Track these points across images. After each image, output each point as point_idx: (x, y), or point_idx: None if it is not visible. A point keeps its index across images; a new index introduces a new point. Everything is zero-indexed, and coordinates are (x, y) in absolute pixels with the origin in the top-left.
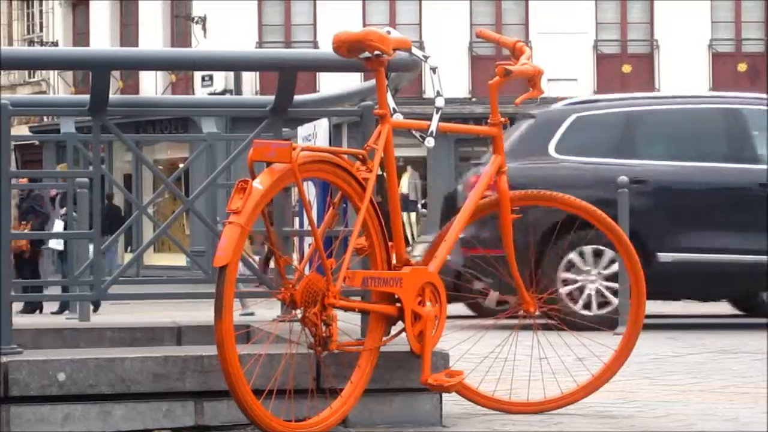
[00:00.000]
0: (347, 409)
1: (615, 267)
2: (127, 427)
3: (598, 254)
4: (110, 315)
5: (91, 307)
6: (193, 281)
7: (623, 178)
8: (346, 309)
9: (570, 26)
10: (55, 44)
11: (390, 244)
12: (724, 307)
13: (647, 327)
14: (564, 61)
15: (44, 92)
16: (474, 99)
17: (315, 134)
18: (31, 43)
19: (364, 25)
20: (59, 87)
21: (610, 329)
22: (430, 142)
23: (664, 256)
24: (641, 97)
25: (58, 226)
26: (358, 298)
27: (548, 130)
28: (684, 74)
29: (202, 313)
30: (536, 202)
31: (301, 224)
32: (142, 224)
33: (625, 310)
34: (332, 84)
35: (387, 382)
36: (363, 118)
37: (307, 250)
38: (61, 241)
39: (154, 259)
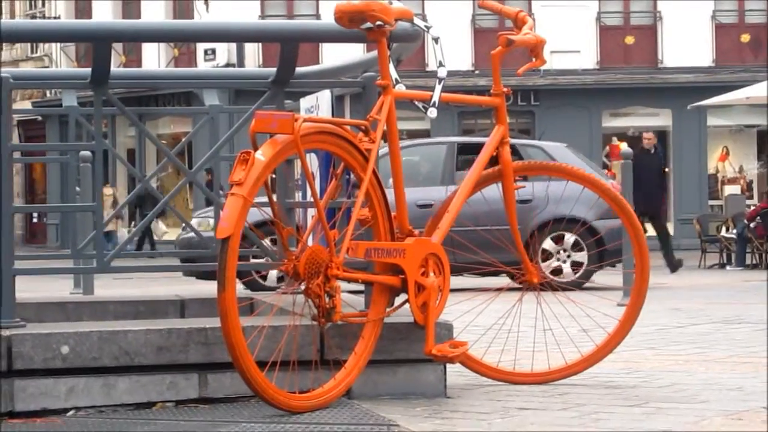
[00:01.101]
0: (351, 381)
1: None
2: (130, 400)
3: None
4: (113, 288)
5: None
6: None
7: (626, 149)
8: (349, 280)
9: None
10: (57, 19)
11: (393, 215)
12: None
13: (650, 298)
14: (567, 33)
15: (47, 67)
16: (477, 71)
17: (317, 106)
18: (33, 18)
19: None
20: (62, 62)
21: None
22: (432, 112)
23: None
24: None
25: None
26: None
27: None
28: (687, 46)
29: (206, 286)
30: (540, 173)
31: (304, 196)
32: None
33: (629, 281)
34: (334, 56)
35: (391, 353)
36: (365, 90)
37: (310, 222)
38: None
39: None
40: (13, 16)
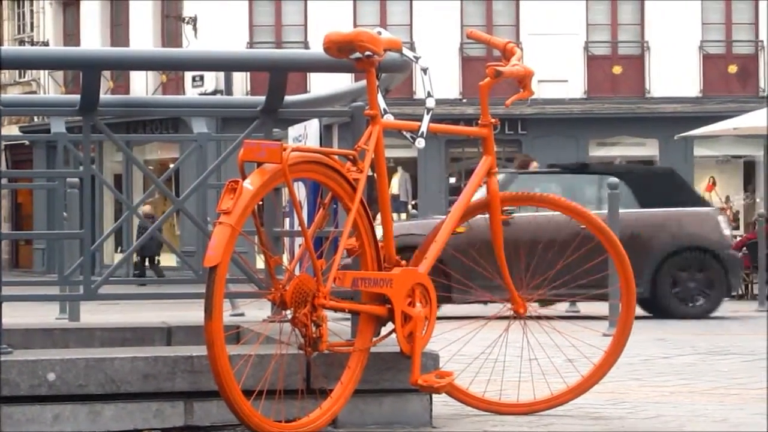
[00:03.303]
0: (337, 410)
1: None
2: (116, 428)
3: None
4: (100, 314)
5: None
6: (183, 281)
7: (613, 180)
8: (336, 310)
9: (561, 27)
10: (46, 44)
11: (380, 244)
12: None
13: (636, 328)
14: (554, 63)
15: (34, 92)
16: (465, 100)
17: (306, 135)
18: (21, 43)
19: (355, 25)
20: (50, 87)
21: None
22: (420, 143)
23: None
24: None
25: None
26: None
27: None
28: (674, 76)
29: (192, 314)
30: (527, 203)
31: (292, 225)
32: (132, 225)
33: (615, 311)
34: (323, 85)
35: (377, 382)
36: (354, 119)
37: (297, 251)
38: None
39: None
40: (1, 41)
